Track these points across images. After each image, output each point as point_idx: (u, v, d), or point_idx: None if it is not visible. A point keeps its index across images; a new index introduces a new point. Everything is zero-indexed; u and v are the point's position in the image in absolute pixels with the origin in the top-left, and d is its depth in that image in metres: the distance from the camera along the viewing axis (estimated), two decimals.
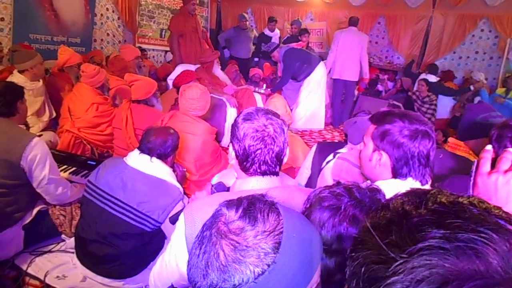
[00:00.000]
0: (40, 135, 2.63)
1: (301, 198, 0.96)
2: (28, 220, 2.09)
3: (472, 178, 0.86)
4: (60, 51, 3.81)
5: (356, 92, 6.36)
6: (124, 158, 1.90)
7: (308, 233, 0.67)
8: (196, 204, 1.07)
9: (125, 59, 4.52)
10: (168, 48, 6.51)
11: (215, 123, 3.33)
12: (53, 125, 3.55)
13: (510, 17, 6.88)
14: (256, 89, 5.06)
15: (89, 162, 2.72)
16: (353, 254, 0.47)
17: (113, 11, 6.17)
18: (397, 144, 1.11)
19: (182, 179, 2.22)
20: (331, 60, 5.66)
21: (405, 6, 7.39)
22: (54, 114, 3.52)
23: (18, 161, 1.92)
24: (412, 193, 0.49)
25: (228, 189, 1.29)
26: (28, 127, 2.49)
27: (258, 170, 1.09)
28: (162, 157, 1.92)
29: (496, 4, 6.60)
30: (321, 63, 5.28)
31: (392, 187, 1.13)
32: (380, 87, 7.47)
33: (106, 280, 1.86)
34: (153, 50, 7.35)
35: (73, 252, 1.98)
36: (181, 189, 1.92)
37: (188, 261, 0.64)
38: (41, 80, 3.31)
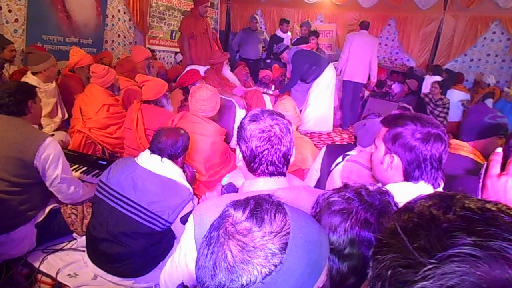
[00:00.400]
0: (52, 135, 2.67)
1: (309, 199, 0.97)
2: (40, 218, 2.12)
3: (481, 180, 0.86)
4: (72, 52, 3.87)
5: (366, 93, 6.35)
6: (135, 158, 1.92)
7: (315, 233, 0.67)
8: (205, 205, 1.08)
9: (133, 60, 4.57)
10: (178, 50, 6.56)
11: (224, 124, 3.34)
12: (64, 125, 3.61)
13: None
14: (265, 90, 5.07)
15: (100, 161, 2.75)
16: (378, 256, 0.47)
17: (124, 13, 6.25)
18: (409, 147, 1.11)
19: (192, 180, 2.24)
20: (343, 61, 5.70)
21: (415, 8, 7.35)
22: (67, 116, 3.56)
23: (31, 160, 1.95)
24: (437, 196, 0.49)
25: (237, 190, 1.29)
26: (41, 127, 2.52)
27: (266, 171, 1.09)
28: (173, 157, 1.93)
29: (509, 6, 6.53)
30: (330, 65, 5.27)
31: (403, 190, 1.13)
32: (387, 89, 7.45)
33: (117, 279, 1.88)
34: (163, 51, 7.41)
35: (84, 251, 2.01)
36: (191, 189, 1.93)
37: (196, 262, 0.65)
38: (54, 82, 3.35)
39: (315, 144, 3.74)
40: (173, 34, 7.41)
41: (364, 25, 5.71)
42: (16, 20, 4.39)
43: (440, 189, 1.16)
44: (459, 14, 7.28)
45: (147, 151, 1.92)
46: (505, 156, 0.85)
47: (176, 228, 1.84)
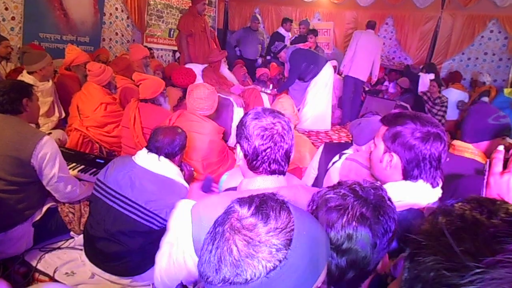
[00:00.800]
0: (49, 133, 2.66)
1: (307, 197, 0.97)
2: (38, 217, 2.11)
3: (486, 177, 0.86)
4: (68, 50, 3.84)
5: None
6: (133, 157, 1.92)
7: (317, 232, 0.69)
8: (203, 203, 1.09)
9: (128, 58, 4.54)
10: (176, 48, 6.54)
11: (222, 122, 3.34)
12: (62, 123, 3.58)
13: None
14: (263, 89, 5.07)
15: (97, 160, 2.73)
16: (418, 258, 0.47)
17: (122, 11, 6.21)
18: (408, 146, 1.11)
19: (189, 178, 2.23)
20: (349, 57, 5.82)
21: (413, 7, 7.36)
22: (64, 114, 3.54)
23: (28, 159, 1.94)
24: (475, 200, 0.49)
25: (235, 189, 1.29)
26: (38, 126, 2.50)
27: (268, 169, 1.09)
28: (170, 156, 1.93)
29: (506, 5, 6.55)
30: (328, 63, 5.28)
31: (402, 189, 1.13)
32: (382, 87, 7.47)
33: (114, 277, 1.87)
34: (161, 49, 7.38)
35: (81, 249, 2.00)
36: (188, 188, 1.92)
37: (200, 257, 0.65)
38: (50, 80, 3.33)
39: (312, 143, 3.74)
40: (171, 32, 7.39)
41: (370, 25, 5.87)
42: (13, 18, 4.36)
43: (438, 189, 1.16)
44: (457, 12, 7.30)
45: (145, 150, 1.91)
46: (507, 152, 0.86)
47: None
